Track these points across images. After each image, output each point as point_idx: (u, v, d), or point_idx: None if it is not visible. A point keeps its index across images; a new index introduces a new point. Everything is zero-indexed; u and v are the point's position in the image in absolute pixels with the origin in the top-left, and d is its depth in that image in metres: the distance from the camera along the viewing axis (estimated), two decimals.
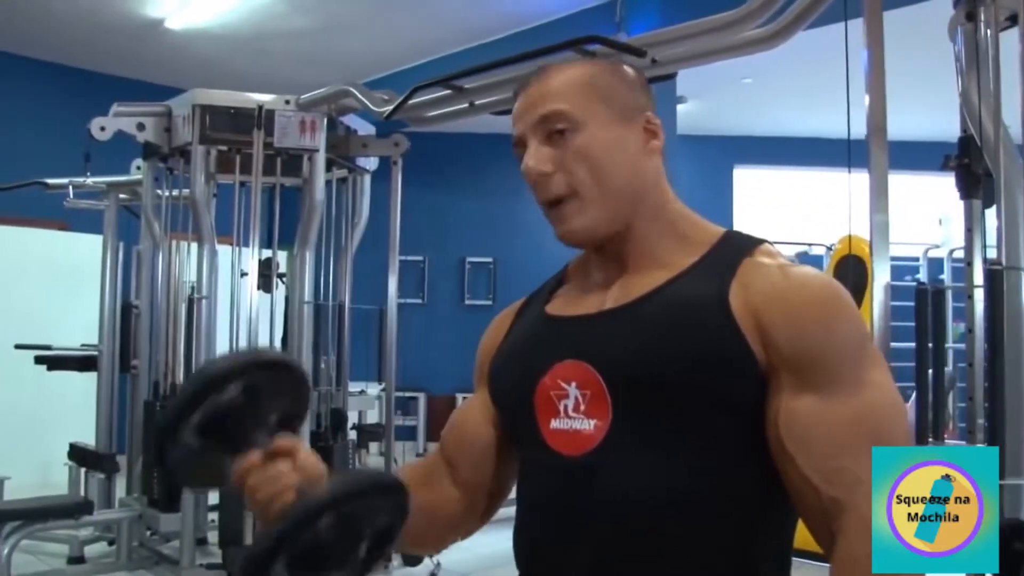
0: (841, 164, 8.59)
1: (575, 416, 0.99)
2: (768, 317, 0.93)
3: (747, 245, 1.03)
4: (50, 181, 5.09)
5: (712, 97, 8.22)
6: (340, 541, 0.88)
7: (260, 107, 4.18)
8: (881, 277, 2.02)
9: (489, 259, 9.33)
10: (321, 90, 4.22)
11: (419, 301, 8.98)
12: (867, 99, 2.10)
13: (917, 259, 7.24)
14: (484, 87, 3.53)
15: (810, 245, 7.97)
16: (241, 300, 4.42)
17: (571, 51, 3.03)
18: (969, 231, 2.56)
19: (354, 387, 5.96)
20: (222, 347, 4.39)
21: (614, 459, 0.96)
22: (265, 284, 4.43)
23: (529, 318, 1.14)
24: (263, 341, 4.40)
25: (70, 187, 5.01)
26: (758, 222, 9.17)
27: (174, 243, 4.78)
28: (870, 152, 2.06)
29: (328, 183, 4.81)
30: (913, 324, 4.09)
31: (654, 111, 1.09)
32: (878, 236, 2.02)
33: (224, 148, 4.34)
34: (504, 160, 8.80)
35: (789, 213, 9.34)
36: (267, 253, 4.48)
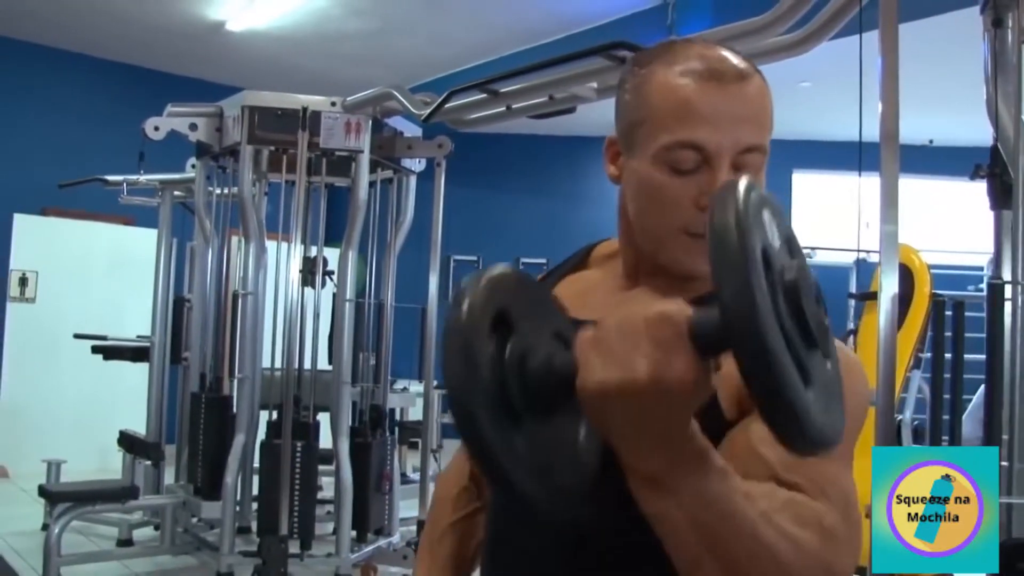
0: (905, 169, 8.39)
1: None
2: None
3: None
4: (109, 178, 5.27)
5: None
6: None
7: (305, 108, 4.28)
8: (889, 288, 2.00)
9: (543, 260, 9.35)
10: (366, 92, 4.30)
11: None
12: (879, 106, 2.08)
13: (981, 268, 7.06)
14: (519, 91, 3.57)
15: (868, 252, 7.82)
16: (289, 296, 4.54)
17: (599, 57, 3.05)
18: (999, 242, 2.51)
19: (400, 385, 6.08)
20: (267, 342, 4.50)
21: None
22: (311, 281, 4.54)
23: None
24: (307, 337, 4.51)
25: (124, 184, 5.19)
26: (817, 228, 9.05)
27: (232, 239, 4.94)
28: (882, 160, 2.04)
29: (374, 183, 4.92)
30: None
31: None
32: (887, 246, 2.01)
33: (272, 148, 4.46)
34: (561, 161, 8.94)
35: (849, 220, 9.18)
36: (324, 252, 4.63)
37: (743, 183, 0.69)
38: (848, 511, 0.84)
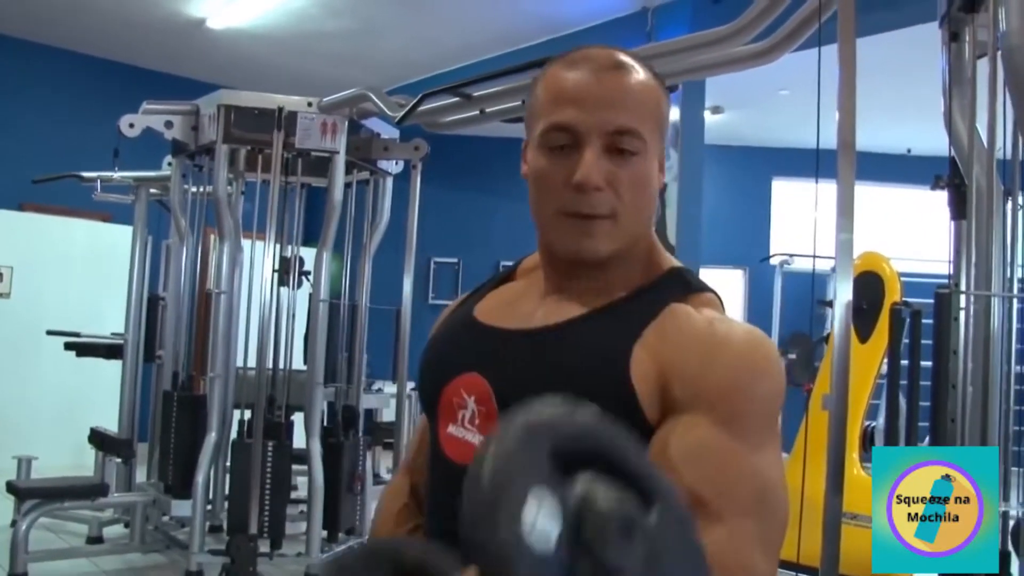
0: (882, 178, 8.45)
1: (469, 428, 1.00)
2: (679, 363, 0.90)
3: (683, 290, 1.00)
4: (85, 174, 5.26)
5: (750, 108, 8.19)
6: None
7: (280, 109, 4.28)
8: (843, 295, 2.03)
9: None
10: (342, 94, 4.31)
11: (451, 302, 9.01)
12: (836, 116, 2.12)
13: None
14: (491, 95, 3.59)
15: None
16: (263, 296, 4.55)
17: None
18: (957, 252, 2.55)
19: (376, 386, 6.09)
20: (243, 341, 4.51)
21: None
22: (286, 280, 4.55)
23: (460, 315, 1.13)
24: (282, 337, 4.52)
25: (98, 181, 5.17)
26: (796, 235, 9.11)
27: (210, 237, 4.94)
28: (838, 169, 2.07)
29: (351, 184, 4.93)
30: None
31: None
32: (842, 254, 2.04)
33: (248, 148, 4.46)
34: None
35: (829, 227, 9.23)
36: (301, 251, 4.64)
37: (520, 415, 0.67)
38: (766, 509, 0.87)
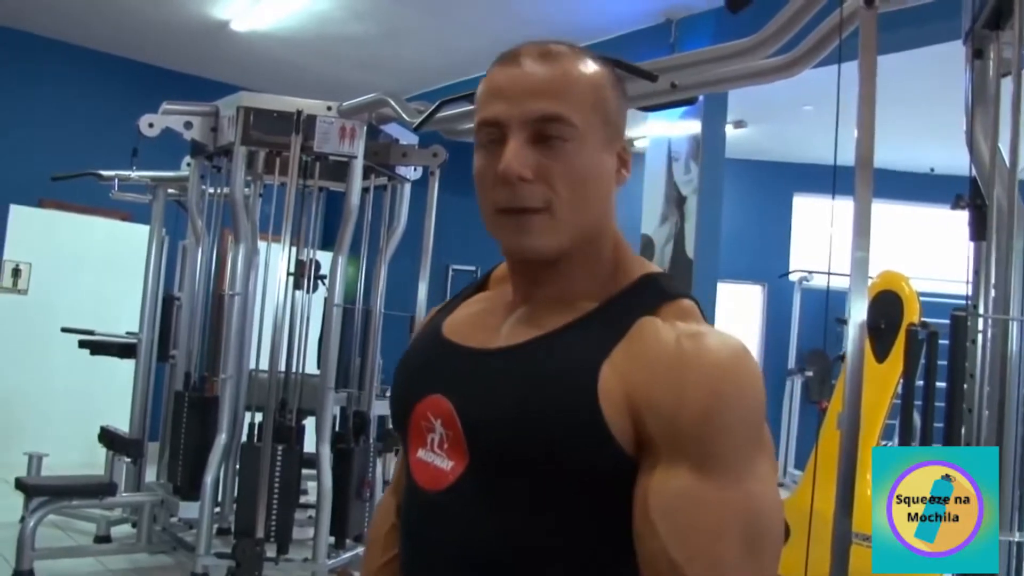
0: (905, 197, 8.38)
1: (438, 452, 0.97)
2: (650, 392, 0.86)
3: (655, 300, 0.95)
4: (103, 173, 5.28)
5: (772, 123, 8.14)
6: None
7: (299, 112, 4.28)
8: (857, 314, 1.99)
9: None
10: (361, 98, 4.30)
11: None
12: (855, 133, 2.08)
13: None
14: None
15: (869, 278, 7.81)
16: (278, 299, 4.54)
17: None
18: (976, 274, 2.50)
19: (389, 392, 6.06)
20: (253, 343, 4.50)
21: (459, 503, 0.94)
22: (300, 284, 4.54)
23: (430, 332, 1.09)
24: (297, 341, 4.51)
25: (116, 179, 5.19)
26: (816, 252, 9.03)
27: (228, 239, 4.94)
28: (856, 186, 2.04)
29: (368, 189, 4.93)
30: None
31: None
32: (857, 273, 2.00)
33: (267, 150, 4.47)
34: None
35: (848, 244, 9.15)
36: (319, 256, 4.64)
37: None
38: (755, 546, 0.84)
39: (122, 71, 7.83)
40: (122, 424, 5.08)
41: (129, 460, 4.66)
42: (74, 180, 5.74)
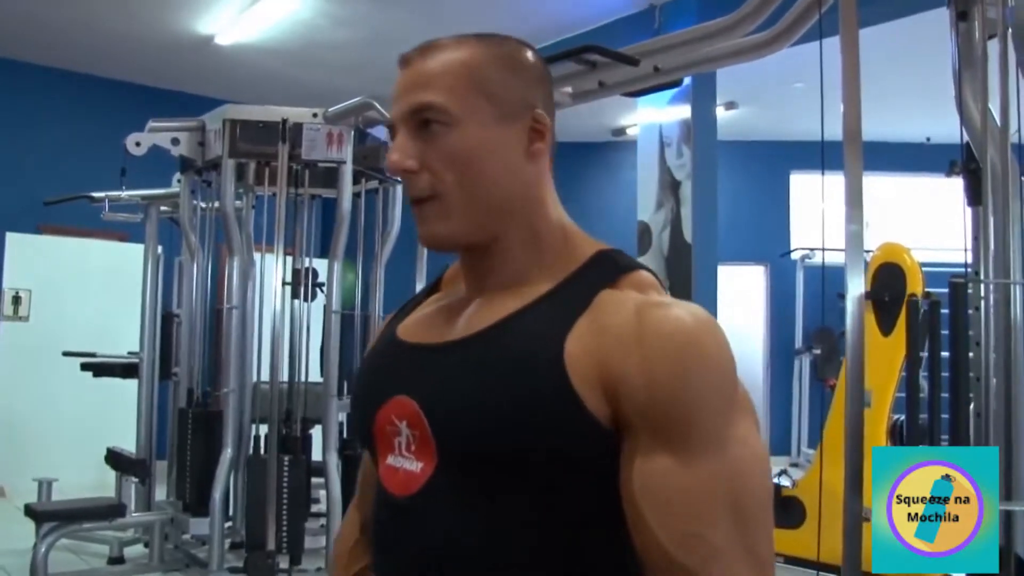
0: (902, 168, 8.35)
1: (407, 456, 0.94)
2: (617, 370, 0.84)
3: (612, 273, 0.93)
4: (95, 195, 5.27)
5: (764, 102, 8.10)
6: None
7: (284, 121, 4.26)
8: (854, 288, 1.96)
9: None
10: (346, 103, 4.28)
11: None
12: (841, 107, 2.05)
13: None
14: None
15: (867, 252, 7.78)
16: (275, 309, 4.53)
17: (571, 62, 3.03)
18: (975, 239, 2.47)
19: None
20: (255, 355, 4.49)
21: (433, 505, 0.91)
22: (299, 292, 4.53)
23: (385, 338, 1.07)
24: (299, 350, 4.49)
25: (106, 201, 5.18)
26: (816, 229, 8.99)
27: (225, 253, 4.93)
28: (845, 160, 2.00)
29: (361, 194, 4.90)
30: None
31: (548, 105, 0.99)
32: (852, 246, 1.97)
33: (254, 161, 4.45)
34: (559, 171, 8.96)
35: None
36: (316, 263, 4.62)
37: None
38: (741, 516, 0.83)
39: (110, 92, 7.82)
40: (130, 444, 5.06)
41: (137, 480, 4.64)
42: (70, 204, 5.72)
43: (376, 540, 0.99)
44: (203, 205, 5.01)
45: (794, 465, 8.45)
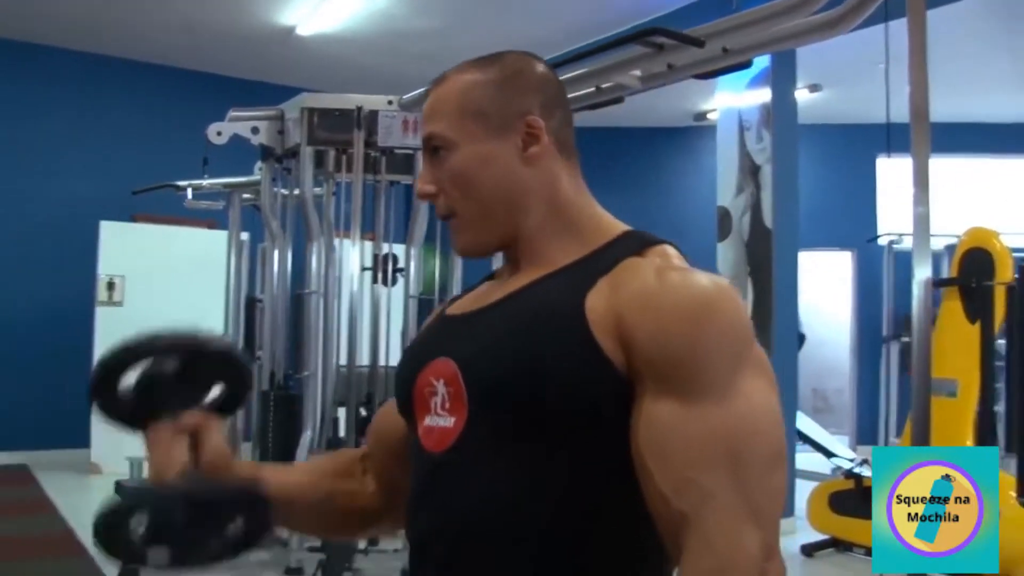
0: (993, 150, 8.03)
1: (441, 413, 0.99)
2: (632, 318, 0.90)
3: (637, 246, 0.99)
4: (180, 183, 5.44)
5: (849, 84, 7.88)
6: (194, 527, 0.98)
7: (359, 108, 4.33)
8: (921, 272, 1.91)
9: None
10: (420, 90, 4.32)
11: None
12: (908, 87, 1.99)
13: None
14: (564, 83, 3.53)
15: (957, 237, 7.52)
16: (354, 294, 4.63)
17: (638, 45, 3.01)
18: None
19: None
20: (337, 339, 4.59)
21: (465, 457, 0.96)
22: (381, 278, 4.62)
23: (436, 316, 1.16)
24: (378, 334, 4.58)
25: (189, 189, 5.34)
26: (905, 214, 8.72)
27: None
28: (912, 141, 1.95)
29: None
30: None
31: (550, 107, 1.06)
32: (919, 229, 1.91)
33: (333, 149, 4.53)
34: (642, 156, 8.84)
35: (938, 204, 8.81)
36: (397, 249, 4.70)
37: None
38: (743, 465, 0.85)
39: (195, 84, 8.04)
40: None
41: None
42: (159, 193, 5.94)
43: (415, 499, 1.03)
44: (284, 192, 5.12)
45: None
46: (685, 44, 2.76)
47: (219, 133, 4.45)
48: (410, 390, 1.04)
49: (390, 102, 4.42)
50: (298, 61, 7.64)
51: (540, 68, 1.09)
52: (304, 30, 6.95)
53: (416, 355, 1.08)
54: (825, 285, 9.49)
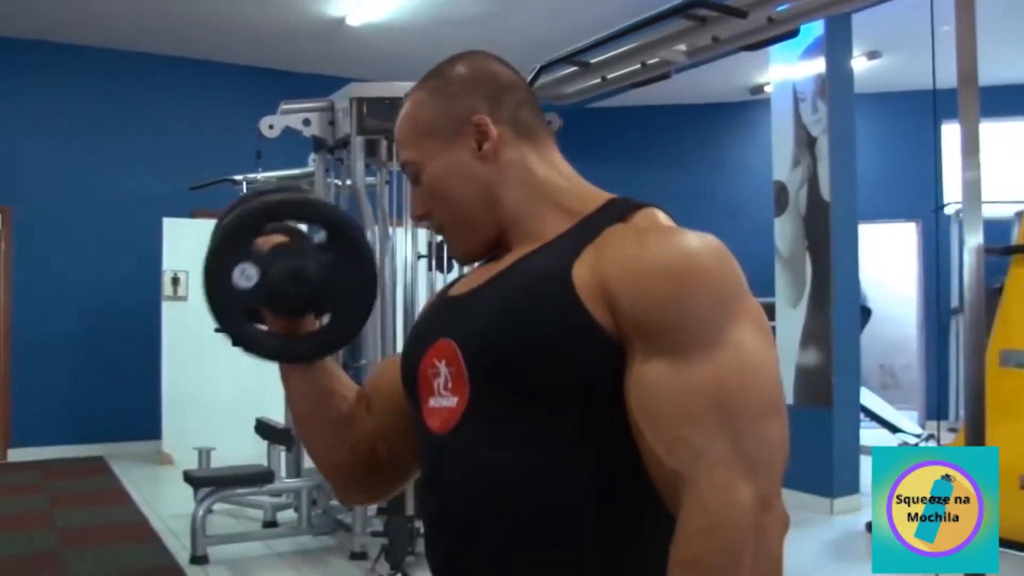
0: None
1: (444, 394, 1.00)
2: (616, 283, 0.90)
3: (622, 211, 1.00)
4: (235, 178, 5.53)
5: (910, 49, 7.65)
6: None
7: (407, 96, 4.33)
8: (972, 239, 1.85)
9: None
10: None
11: None
12: (955, 46, 1.93)
13: None
14: (609, 60, 3.51)
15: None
16: (410, 281, 4.67)
17: (681, 18, 2.97)
18: None
19: None
20: (396, 326, 4.63)
21: (468, 435, 0.97)
22: (436, 265, 4.66)
23: (436, 297, 1.18)
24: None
25: (244, 183, 5.42)
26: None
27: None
28: (960, 105, 1.89)
29: None
30: None
31: (496, 98, 1.07)
32: (969, 196, 1.85)
33: (384, 137, 4.56)
34: (698, 132, 8.73)
35: (1011, 170, 8.53)
36: None
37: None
38: (733, 419, 0.85)
39: (249, 78, 8.15)
40: (280, 415, 5.33)
41: (284, 449, 4.88)
42: (217, 188, 6.04)
43: (425, 482, 1.04)
44: (338, 183, 5.17)
45: (952, 430, 8.05)
46: (727, 15, 2.71)
47: (271, 127, 4.50)
48: (415, 374, 1.05)
49: None
50: (349, 52, 7.70)
51: (478, 65, 1.11)
52: (354, 20, 6.99)
53: (420, 337, 1.08)
54: (890, 258, 9.28)
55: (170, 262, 7.16)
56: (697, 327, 0.87)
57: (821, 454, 5.34)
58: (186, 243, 7.17)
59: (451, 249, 1.10)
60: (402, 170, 1.12)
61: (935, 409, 8.38)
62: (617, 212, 1.00)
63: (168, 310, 7.16)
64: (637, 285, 0.89)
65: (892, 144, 8.66)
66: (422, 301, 4.67)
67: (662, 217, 1.00)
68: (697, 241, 0.91)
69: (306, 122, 4.65)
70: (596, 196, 1.06)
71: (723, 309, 0.88)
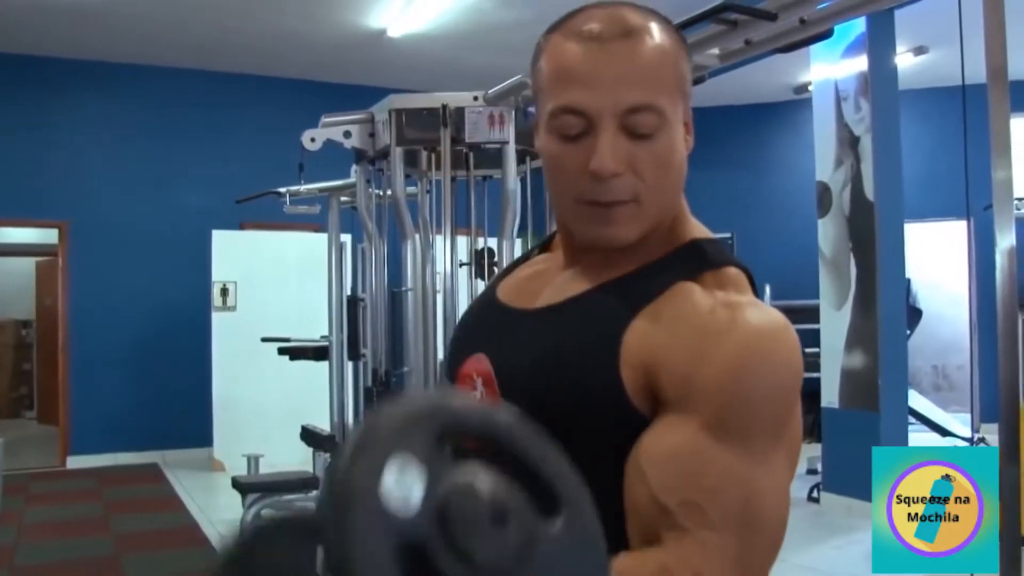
0: None
1: None
2: (668, 354, 0.83)
3: (696, 266, 0.90)
4: (280, 190, 5.62)
5: (956, 44, 7.53)
6: None
7: (444, 106, 4.38)
8: (1004, 241, 1.82)
9: (728, 234, 9.10)
10: (504, 84, 4.34)
11: None
12: (984, 40, 1.91)
13: None
14: None
15: None
16: (449, 290, 4.70)
17: (711, 22, 2.96)
18: None
19: None
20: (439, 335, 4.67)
21: None
22: (480, 273, 4.70)
23: (486, 293, 1.10)
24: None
25: (287, 195, 5.50)
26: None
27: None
28: (990, 101, 1.87)
29: (526, 174, 4.98)
30: None
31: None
32: (1001, 196, 1.83)
33: (424, 148, 4.60)
34: (742, 133, 8.63)
35: None
36: (495, 243, 4.75)
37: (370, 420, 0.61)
38: (749, 524, 0.78)
39: (293, 91, 8.29)
40: (327, 423, 5.40)
41: (328, 455, 4.95)
42: (264, 200, 6.15)
43: None
44: (379, 193, 5.23)
45: None
46: (757, 19, 2.70)
47: (312, 139, 4.57)
48: (454, 378, 1.03)
49: (476, 98, 4.45)
50: (391, 62, 7.78)
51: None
52: (395, 31, 7.07)
53: (461, 341, 1.05)
54: (942, 257, 9.11)
55: (219, 273, 7.30)
56: (748, 426, 0.80)
57: (868, 459, 5.26)
58: (235, 255, 7.32)
59: (620, 229, 0.90)
60: (627, 112, 0.86)
61: (991, 411, 8.21)
62: (689, 266, 0.91)
63: (217, 320, 7.30)
64: (696, 359, 0.81)
65: (940, 141, 8.51)
66: (462, 309, 4.69)
67: (737, 281, 0.90)
68: (771, 327, 0.84)
69: (347, 134, 4.71)
70: (684, 230, 0.96)
71: (776, 423, 0.82)
